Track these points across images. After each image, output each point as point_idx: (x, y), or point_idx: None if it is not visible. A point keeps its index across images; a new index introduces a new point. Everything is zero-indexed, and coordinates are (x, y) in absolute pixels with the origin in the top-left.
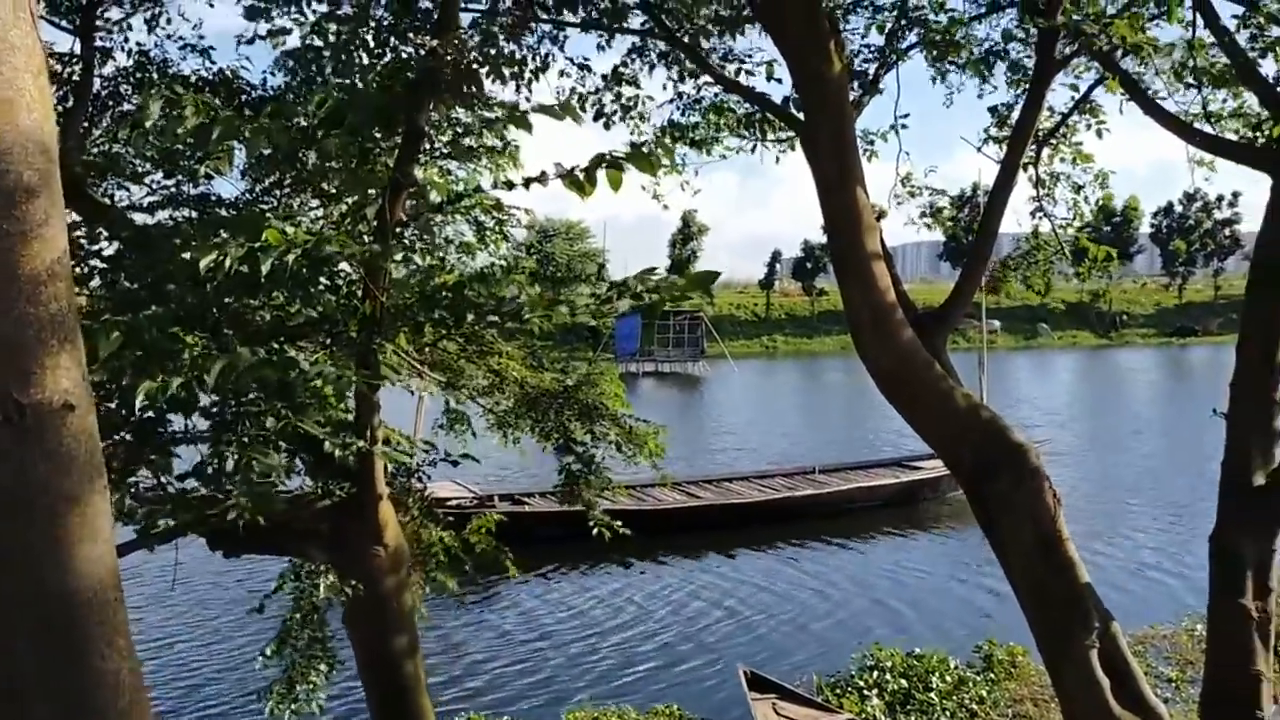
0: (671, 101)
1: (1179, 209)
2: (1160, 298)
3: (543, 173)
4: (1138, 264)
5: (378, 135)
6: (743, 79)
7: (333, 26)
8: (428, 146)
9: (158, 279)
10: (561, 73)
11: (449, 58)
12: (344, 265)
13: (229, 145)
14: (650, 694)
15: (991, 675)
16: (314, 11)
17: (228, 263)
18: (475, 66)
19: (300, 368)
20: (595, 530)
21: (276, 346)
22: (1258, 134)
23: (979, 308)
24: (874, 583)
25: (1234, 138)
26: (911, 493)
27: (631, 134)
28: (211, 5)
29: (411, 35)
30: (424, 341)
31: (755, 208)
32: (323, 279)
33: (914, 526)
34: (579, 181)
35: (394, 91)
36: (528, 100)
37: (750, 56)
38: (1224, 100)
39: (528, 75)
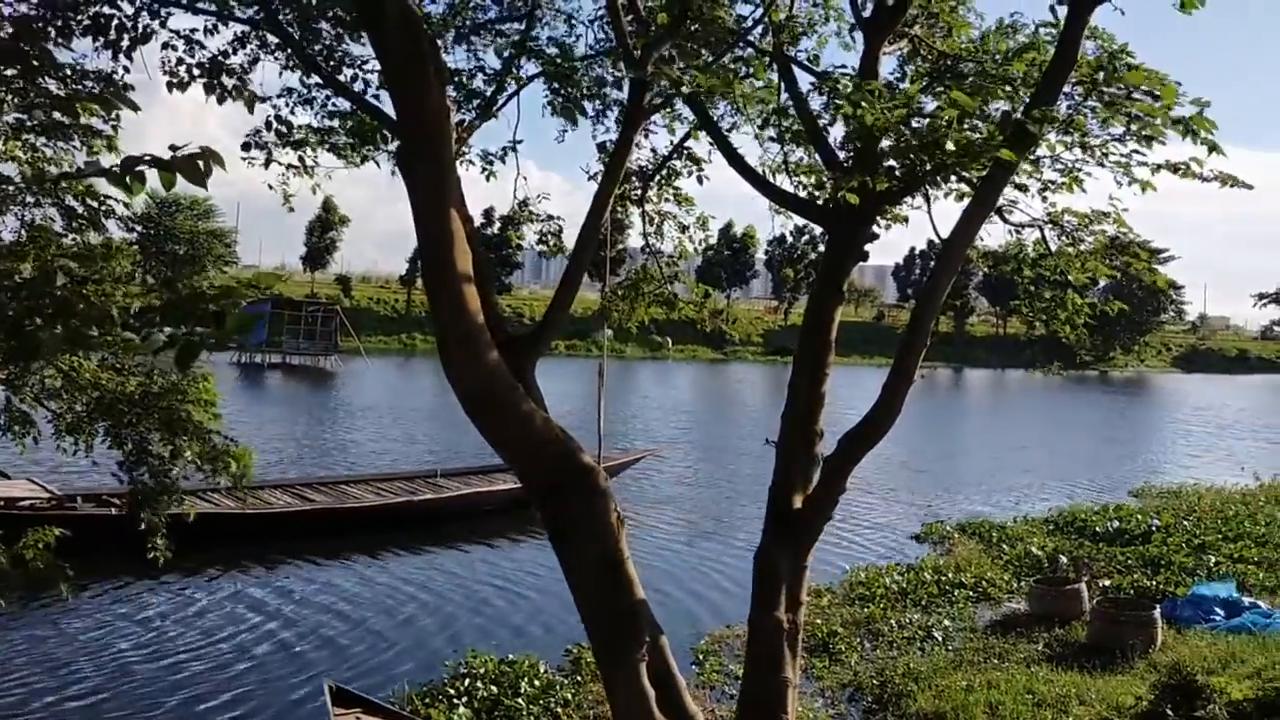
0: (280, 96)
1: (790, 239)
2: (769, 319)
3: (79, 169)
4: (754, 287)
5: None
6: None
7: None
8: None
9: None
10: (166, 44)
11: None
12: None
13: None
14: None
15: (579, 678)
16: None
17: None
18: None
19: None
20: (152, 555)
21: None
22: (822, 191)
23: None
24: (481, 588)
25: (805, 193)
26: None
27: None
28: None
29: None
30: None
31: (405, 200)
32: None
33: (526, 532)
34: (121, 180)
35: None
36: (127, 71)
37: (367, 63)
38: (801, 157)
39: (125, 45)
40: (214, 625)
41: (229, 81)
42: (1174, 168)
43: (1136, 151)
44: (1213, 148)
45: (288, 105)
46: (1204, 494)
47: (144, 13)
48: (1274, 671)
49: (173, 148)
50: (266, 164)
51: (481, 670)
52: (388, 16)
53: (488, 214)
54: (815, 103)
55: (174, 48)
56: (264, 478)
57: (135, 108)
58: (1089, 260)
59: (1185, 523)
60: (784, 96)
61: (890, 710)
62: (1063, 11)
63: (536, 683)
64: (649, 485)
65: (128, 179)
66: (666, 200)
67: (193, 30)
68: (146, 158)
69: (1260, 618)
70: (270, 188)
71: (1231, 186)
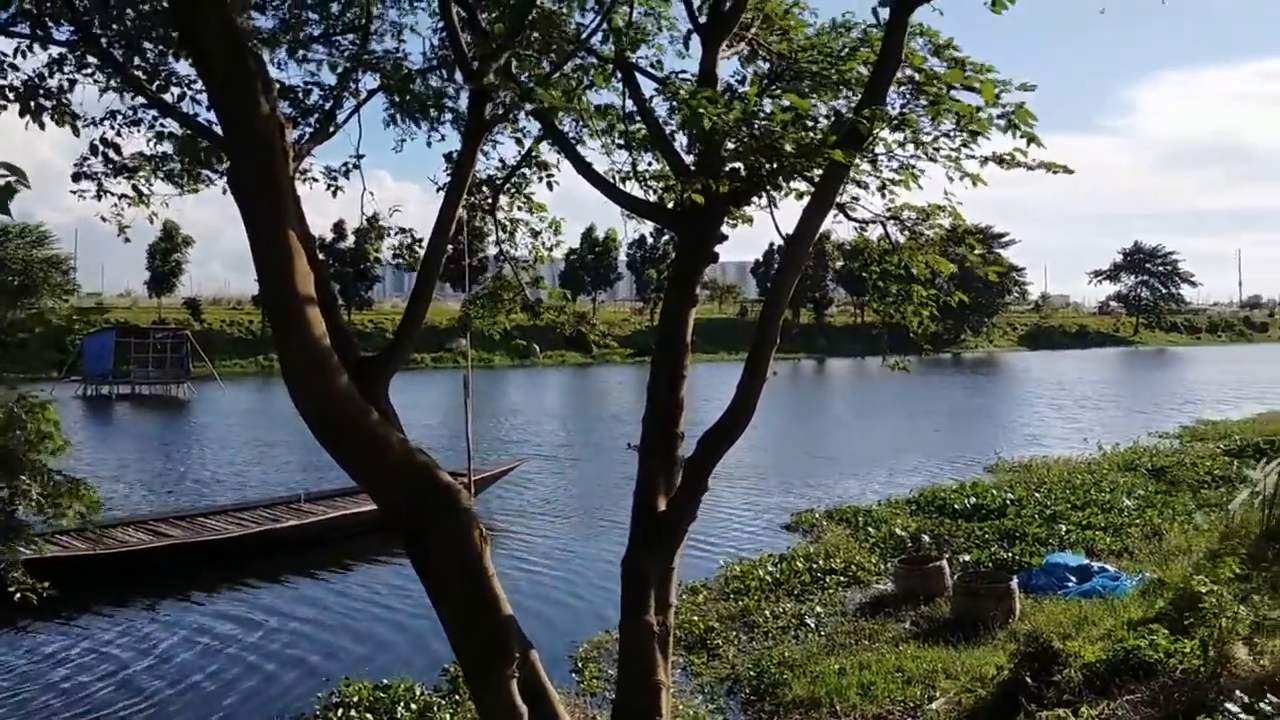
0: (105, 119)
1: (650, 240)
2: (635, 321)
3: None
4: (619, 289)
5: None
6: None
7: None
8: None
9: None
10: None
11: None
12: None
13: None
14: None
15: (457, 697)
16: None
17: None
18: None
19: None
20: (18, 595)
21: None
22: (670, 195)
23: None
24: (352, 614)
25: (655, 198)
26: None
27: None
28: None
29: None
30: None
31: None
32: None
33: (396, 552)
34: None
35: None
36: None
37: (194, 82)
38: (650, 162)
39: None
40: (65, 677)
41: (47, 103)
42: (999, 159)
43: (965, 146)
44: (1031, 139)
45: (114, 128)
46: (1053, 466)
47: None
48: (1123, 632)
49: None
50: (99, 195)
51: (355, 698)
52: (210, 32)
53: (339, 228)
54: (660, 109)
55: None
56: (116, 515)
57: None
58: (929, 253)
59: (1037, 495)
60: (628, 103)
61: (767, 699)
62: (886, 13)
63: (414, 705)
64: (523, 495)
65: None
66: (519, 208)
67: (3, 54)
68: None
69: (1109, 580)
70: (104, 219)
71: (1054, 173)
